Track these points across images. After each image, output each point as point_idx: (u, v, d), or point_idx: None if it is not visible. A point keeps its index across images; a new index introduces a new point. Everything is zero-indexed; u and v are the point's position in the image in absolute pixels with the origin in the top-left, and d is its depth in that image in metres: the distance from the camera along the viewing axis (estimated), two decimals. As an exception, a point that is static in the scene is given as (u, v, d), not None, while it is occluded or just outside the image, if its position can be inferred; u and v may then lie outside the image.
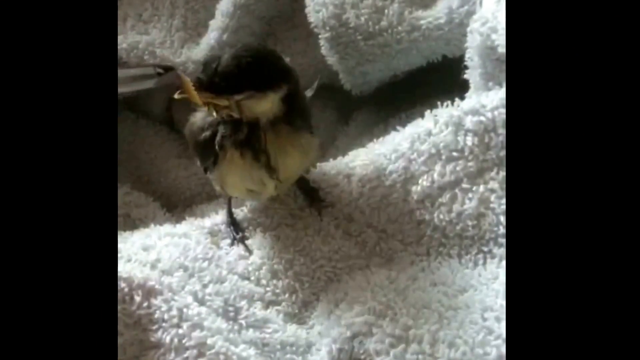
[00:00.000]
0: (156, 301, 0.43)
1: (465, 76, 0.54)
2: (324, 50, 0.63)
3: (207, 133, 0.46)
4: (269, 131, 0.45)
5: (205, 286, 0.47)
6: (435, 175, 0.49)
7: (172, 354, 0.42)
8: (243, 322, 0.46)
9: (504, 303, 0.43)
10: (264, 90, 0.44)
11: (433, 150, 0.49)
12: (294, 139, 0.46)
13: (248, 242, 0.51)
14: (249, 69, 0.43)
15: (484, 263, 0.48)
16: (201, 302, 0.46)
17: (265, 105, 0.45)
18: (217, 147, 0.46)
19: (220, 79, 0.43)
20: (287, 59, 0.67)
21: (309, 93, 0.57)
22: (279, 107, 0.45)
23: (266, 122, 0.45)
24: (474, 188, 0.48)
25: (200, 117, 0.47)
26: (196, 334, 0.42)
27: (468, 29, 0.53)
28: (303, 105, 0.48)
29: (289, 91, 0.45)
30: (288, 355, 0.45)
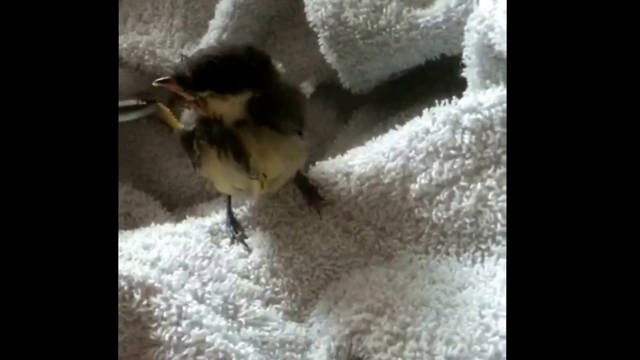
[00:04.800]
0: (156, 299, 0.43)
1: (463, 74, 0.54)
2: (322, 49, 0.63)
3: (188, 128, 0.47)
4: (249, 133, 0.45)
5: (204, 284, 0.48)
6: (433, 173, 0.49)
7: (172, 352, 0.42)
8: (242, 320, 0.46)
9: (501, 300, 0.44)
10: (223, 92, 0.44)
11: (431, 149, 0.49)
12: (277, 142, 0.46)
13: (247, 240, 0.51)
14: (212, 69, 0.43)
15: (482, 260, 0.48)
16: (201, 300, 0.46)
17: (226, 107, 0.44)
18: (194, 145, 0.46)
19: (188, 74, 0.43)
20: (286, 58, 0.69)
21: (309, 89, 0.57)
22: (240, 111, 0.45)
23: (231, 123, 0.45)
24: (472, 186, 0.48)
25: (187, 114, 0.48)
26: (195, 331, 0.42)
27: (465, 27, 0.53)
28: (293, 107, 0.47)
29: (254, 96, 0.45)
30: (287, 353, 0.46)
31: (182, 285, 0.46)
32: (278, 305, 0.48)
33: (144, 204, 0.63)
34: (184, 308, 0.43)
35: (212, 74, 0.43)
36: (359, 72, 0.64)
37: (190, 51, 0.67)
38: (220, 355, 0.42)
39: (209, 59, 0.44)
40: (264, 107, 0.45)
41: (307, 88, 0.57)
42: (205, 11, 0.69)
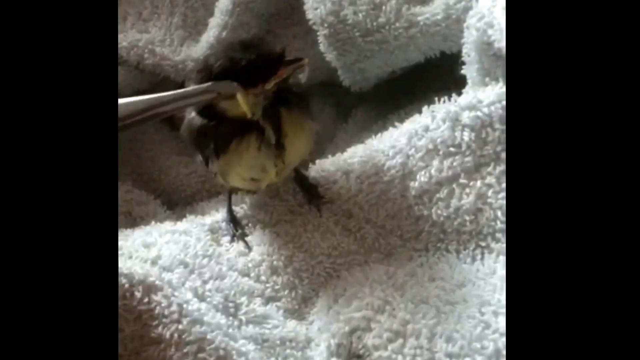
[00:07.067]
0: (156, 297, 0.43)
1: (463, 72, 0.54)
2: (322, 47, 0.63)
3: (207, 123, 0.47)
4: (285, 111, 0.47)
5: (205, 282, 0.48)
6: (433, 171, 0.49)
7: (172, 349, 0.42)
8: (243, 317, 0.47)
9: (501, 297, 0.44)
10: (292, 62, 0.46)
11: (430, 146, 0.49)
12: (303, 121, 0.48)
13: (248, 238, 0.51)
14: (271, 51, 0.47)
15: (482, 258, 0.48)
16: (201, 298, 0.46)
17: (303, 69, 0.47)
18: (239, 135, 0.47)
19: (267, 63, 0.45)
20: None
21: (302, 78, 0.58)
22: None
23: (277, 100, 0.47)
24: (471, 183, 0.48)
25: (196, 115, 0.48)
26: (196, 329, 0.43)
27: (465, 25, 0.53)
28: (300, 92, 0.49)
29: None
30: (287, 351, 0.46)
31: (183, 284, 0.47)
32: (278, 303, 0.48)
33: (144, 203, 0.63)
34: (184, 306, 0.43)
35: (275, 54, 0.46)
36: (358, 70, 0.64)
37: (190, 49, 0.67)
38: (221, 352, 0.42)
39: (257, 45, 0.47)
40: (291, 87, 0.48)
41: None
42: (204, 9, 0.69)
